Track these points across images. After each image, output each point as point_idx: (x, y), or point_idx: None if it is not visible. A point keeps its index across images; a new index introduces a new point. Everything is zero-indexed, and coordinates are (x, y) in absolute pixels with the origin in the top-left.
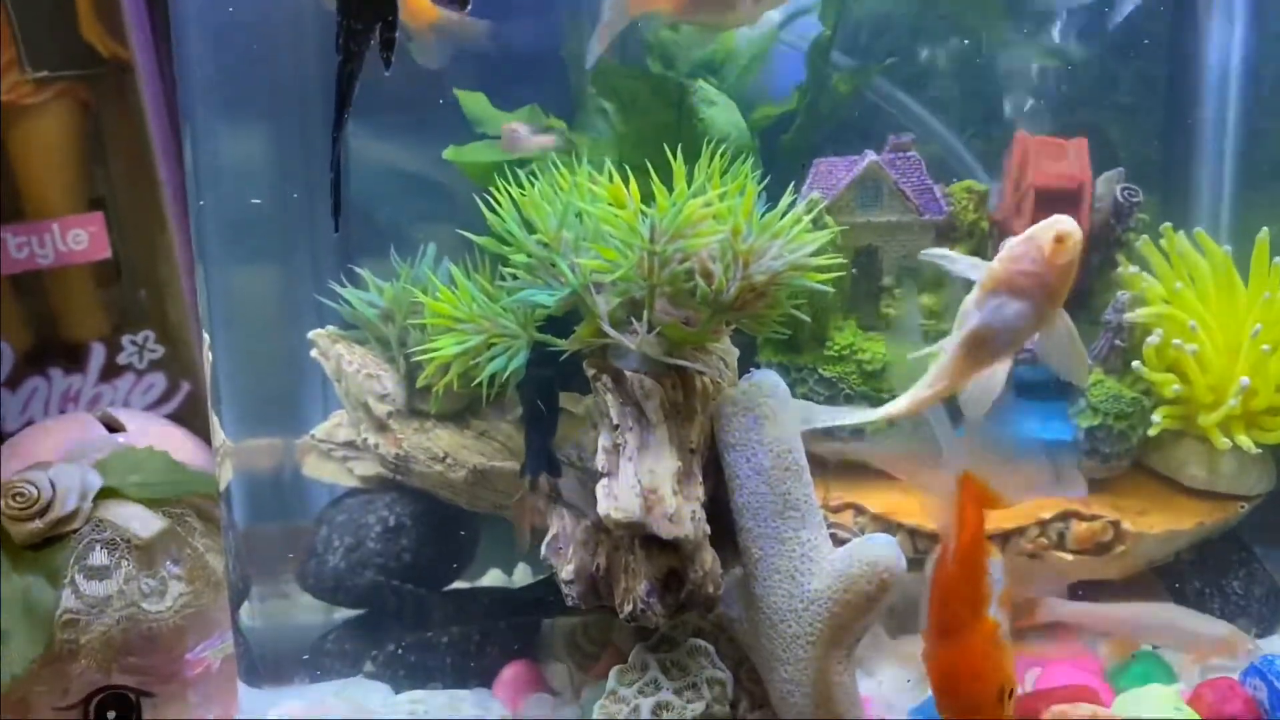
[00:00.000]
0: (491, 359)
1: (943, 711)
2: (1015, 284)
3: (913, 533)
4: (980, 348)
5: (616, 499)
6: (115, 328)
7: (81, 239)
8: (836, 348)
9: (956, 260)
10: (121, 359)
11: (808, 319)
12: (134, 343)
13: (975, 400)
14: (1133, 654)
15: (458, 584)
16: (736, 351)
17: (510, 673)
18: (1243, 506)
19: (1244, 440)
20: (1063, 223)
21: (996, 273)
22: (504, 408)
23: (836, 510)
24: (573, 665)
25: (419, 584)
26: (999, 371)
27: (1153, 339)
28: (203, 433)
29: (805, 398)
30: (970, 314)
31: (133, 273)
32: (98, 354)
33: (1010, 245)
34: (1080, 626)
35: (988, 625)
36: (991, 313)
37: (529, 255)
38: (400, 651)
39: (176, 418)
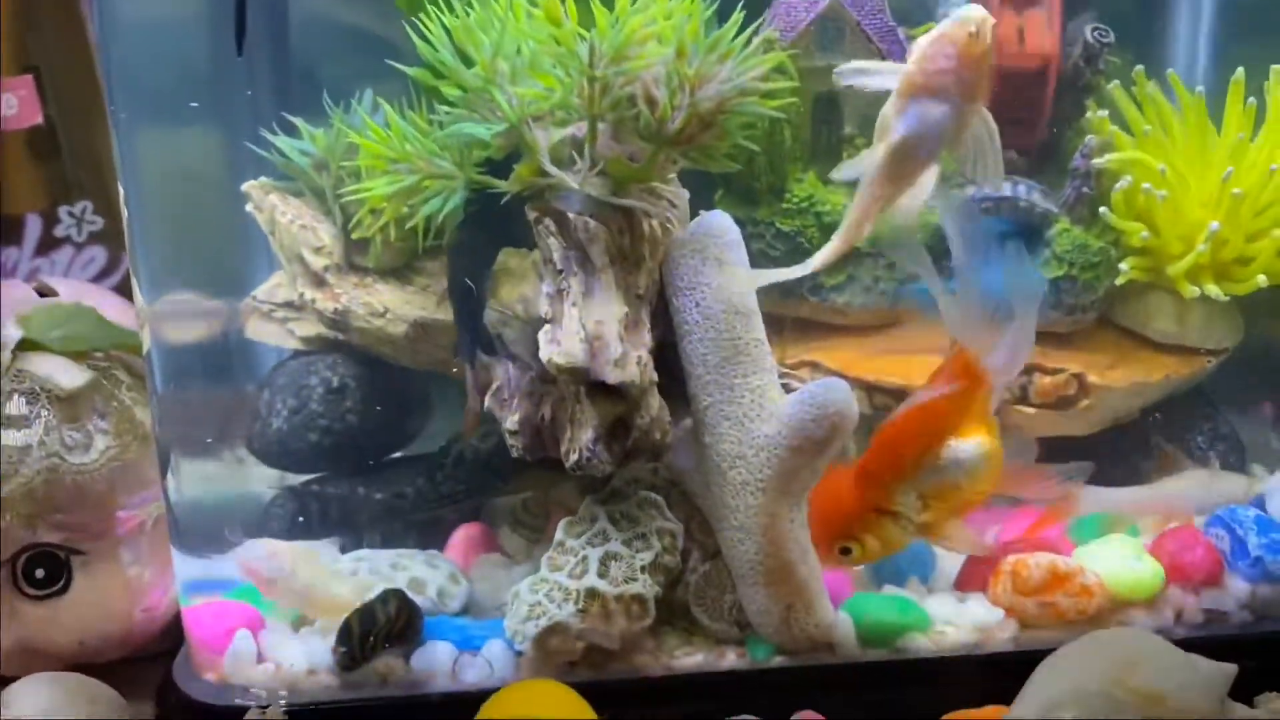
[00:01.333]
0: (425, 200)
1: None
2: (933, 86)
3: (870, 388)
4: (905, 159)
5: (560, 344)
6: (52, 200)
7: (11, 104)
8: (795, 200)
9: (873, 73)
10: (59, 231)
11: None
12: (71, 214)
13: (905, 211)
14: None
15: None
16: (686, 194)
17: (462, 535)
18: (1210, 360)
19: (1212, 289)
20: (972, 12)
21: (913, 77)
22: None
23: (794, 368)
24: (519, 533)
25: (366, 448)
26: (926, 180)
27: (1121, 184)
28: None
29: (762, 253)
30: (891, 125)
31: (69, 143)
32: (33, 226)
33: (920, 46)
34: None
35: (876, 493)
36: (913, 120)
37: (463, 88)
38: (348, 517)
39: (120, 291)
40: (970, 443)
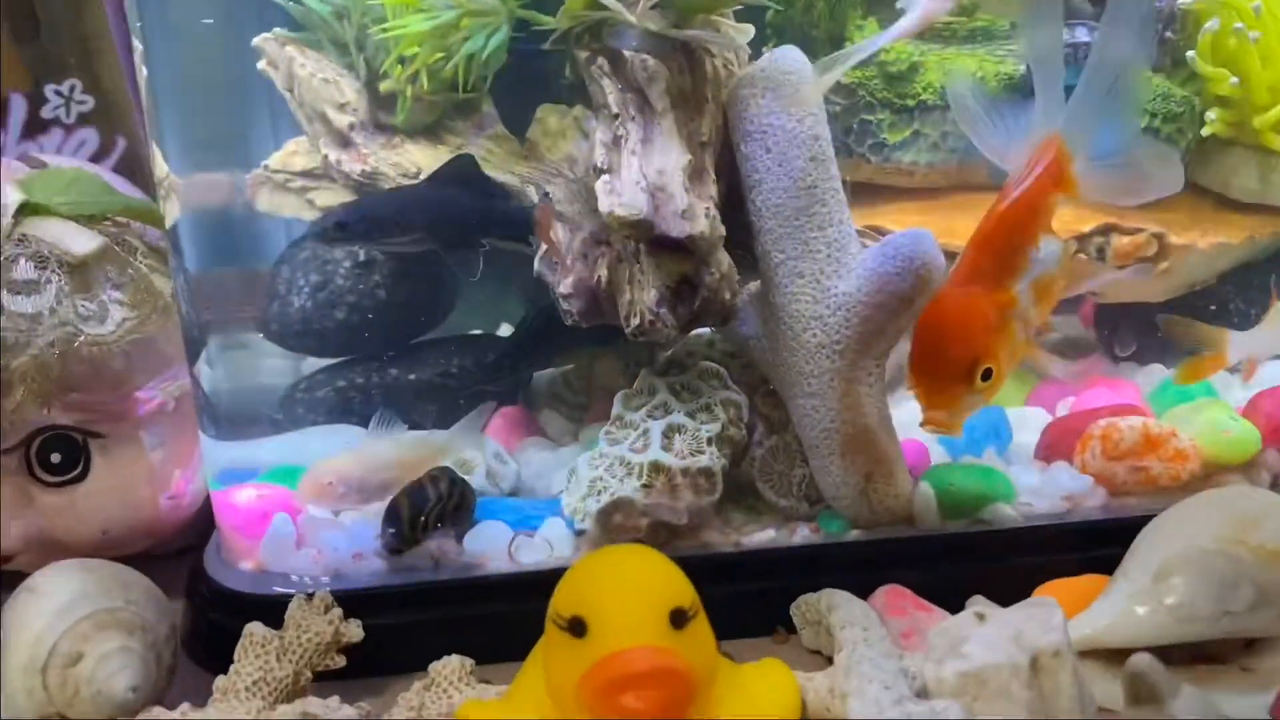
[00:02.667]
0: (466, 40)
1: (913, 373)
2: None
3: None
4: None
5: (621, 196)
6: (37, 80)
7: None
8: (874, 56)
9: None
10: (47, 111)
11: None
12: (59, 93)
13: None
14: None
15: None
16: (751, 30)
17: (502, 419)
18: None
19: None
20: None
21: None
22: (484, 124)
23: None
24: (561, 412)
25: (396, 327)
26: None
27: (1210, 26)
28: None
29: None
30: None
31: (50, 19)
32: (18, 106)
33: None
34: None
35: (1003, 296)
36: None
37: None
38: (379, 400)
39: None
40: (1049, 238)
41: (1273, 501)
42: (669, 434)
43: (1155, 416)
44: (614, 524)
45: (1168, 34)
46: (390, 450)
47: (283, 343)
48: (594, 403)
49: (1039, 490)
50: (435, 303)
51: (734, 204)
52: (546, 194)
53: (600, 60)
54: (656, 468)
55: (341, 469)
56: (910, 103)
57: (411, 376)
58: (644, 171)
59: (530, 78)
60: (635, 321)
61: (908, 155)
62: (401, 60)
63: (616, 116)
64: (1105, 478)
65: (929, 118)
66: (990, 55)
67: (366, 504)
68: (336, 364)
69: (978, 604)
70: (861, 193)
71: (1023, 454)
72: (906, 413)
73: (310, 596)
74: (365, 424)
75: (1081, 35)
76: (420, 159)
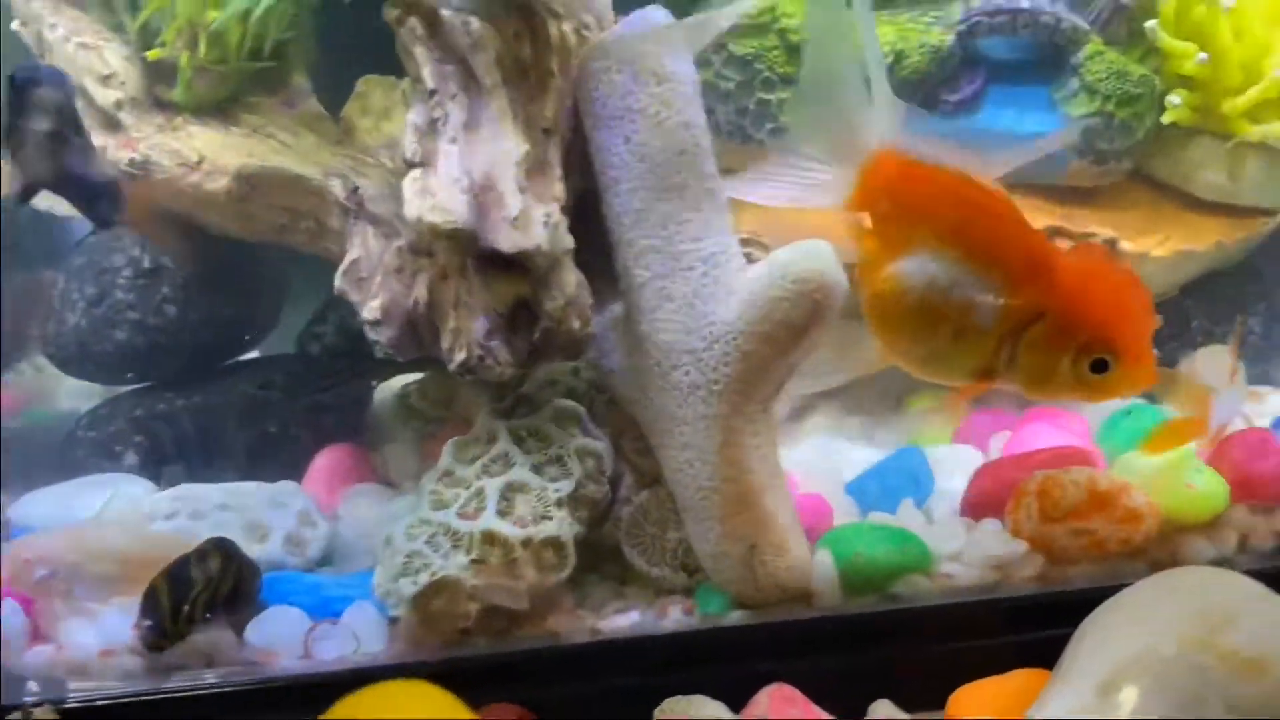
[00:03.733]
0: None
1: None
2: None
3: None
4: None
5: (434, 197)
6: None
7: None
8: (753, 13)
9: None
10: None
11: None
12: None
13: None
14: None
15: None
16: None
17: (326, 460)
18: (1268, 221)
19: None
20: None
21: None
22: (293, 100)
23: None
24: (410, 440)
25: (196, 347)
26: None
27: None
28: None
29: (709, 85)
30: None
31: None
32: None
33: None
34: None
35: None
36: None
37: None
38: (174, 437)
39: None
40: None
41: (1250, 593)
42: (509, 495)
43: (1104, 461)
44: (435, 610)
45: (1123, 0)
46: (119, 539)
47: (64, 368)
48: (450, 422)
49: (962, 557)
50: (247, 317)
51: (591, 206)
52: (355, 189)
53: (413, 21)
54: (491, 539)
55: (48, 549)
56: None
57: (213, 408)
58: (466, 166)
59: (361, 43)
60: (460, 356)
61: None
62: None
63: (433, 94)
64: (1042, 542)
65: None
66: (914, 22)
67: (69, 597)
68: (126, 394)
69: (881, 711)
70: None
71: (947, 507)
72: (813, 453)
73: (34, 708)
74: (157, 470)
75: (1042, 2)
76: (206, 145)
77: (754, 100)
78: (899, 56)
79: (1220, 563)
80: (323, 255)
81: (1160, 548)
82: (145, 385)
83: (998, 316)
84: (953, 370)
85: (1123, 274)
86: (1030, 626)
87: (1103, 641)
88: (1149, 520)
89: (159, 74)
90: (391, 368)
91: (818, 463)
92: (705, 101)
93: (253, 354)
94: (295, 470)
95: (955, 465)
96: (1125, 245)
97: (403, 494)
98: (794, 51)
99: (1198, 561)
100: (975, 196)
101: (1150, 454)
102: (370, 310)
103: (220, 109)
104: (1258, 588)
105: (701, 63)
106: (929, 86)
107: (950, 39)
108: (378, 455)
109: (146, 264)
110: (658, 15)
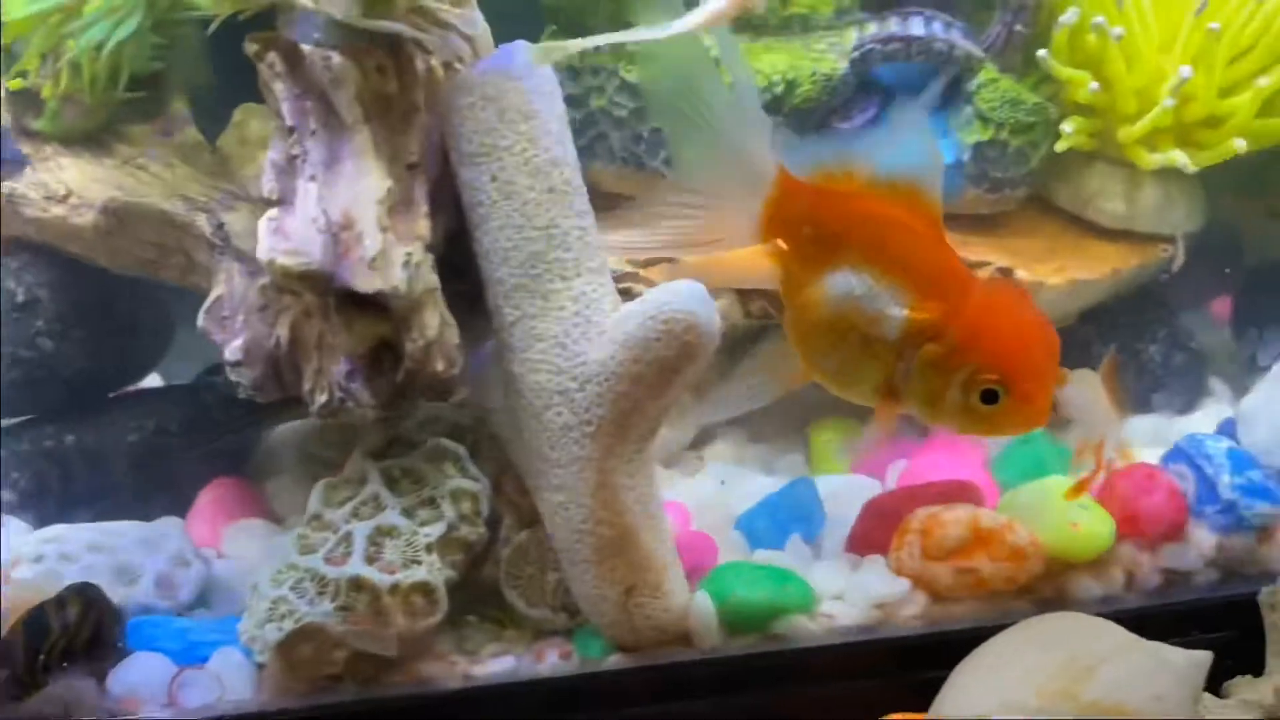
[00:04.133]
0: (88, 26)
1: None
2: None
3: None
4: None
5: (288, 238)
6: None
7: None
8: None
9: None
10: None
11: None
12: None
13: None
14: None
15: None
16: (479, 19)
17: (211, 495)
18: (1166, 249)
19: (1178, 157)
20: None
21: None
22: (170, 128)
23: (647, 265)
24: (300, 473)
25: (72, 381)
26: None
27: (1066, 18)
28: None
29: (603, 111)
30: None
31: None
32: None
33: None
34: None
35: None
36: None
37: None
38: (55, 474)
39: None
40: None
41: (1114, 642)
42: (377, 539)
43: (998, 492)
44: (301, 657)
45: (1017, 27)
46: None
47: None
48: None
49: (846, 596)
50: (132, 349)
51: (459, 241)
52: (220, 224)
53: (273, 56)
54: (358, 585)
55: None
56: None
57: (97, 442)
58: (325, 205)
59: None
60: (322, 398)
61: None
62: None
63: (291, 131)
64: (926, 580)
65: None
66: (807, 49)
67: None
68: (3, 430)
69: None
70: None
71: (837, 542)
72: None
73: None
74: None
75: (916, 28)
76: (75, 177)
77: (648, 128)
78: (791, 85)
79: (1107, 600)
80: (194, 290)
81: (1046, 586)
82: (24, 420)
83: (900, 327)
84: (861, 383)
85: (1033, 314)
86: (915, 667)
87: (965, 692)
88: (1033, 559)
89: (28, 103)
90: (292, 411)
91: (712, 495)
92: (601, 128)
93: (149, 384)
94: (181, 506)
95: (851, 496)
96: (1021, 274)
97: (289, 530)
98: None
99: (1085, 599)
100: (890, 215)
101: (1072, 499)
102: (232, 350)
103: (92, 138)
104: (1122, 635)
105: (595, 90)
106: (822, 114)
107: (843, 66)
108: (267, 489)
109: (20, 298)
110: (524, 52)
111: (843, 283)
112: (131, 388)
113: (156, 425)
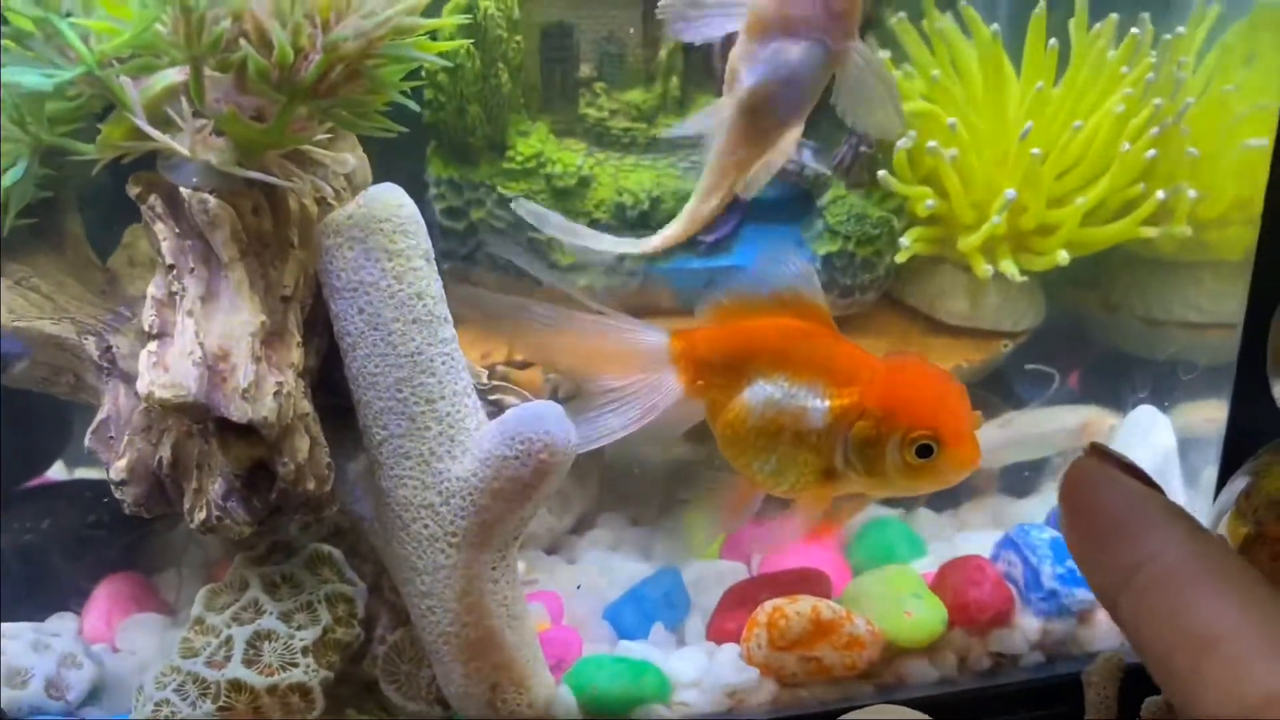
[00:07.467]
0: None
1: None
2: (789, 18)
3: None
4: (761, 113)
5: (166, 370)
6: None
7: None
8: (520, 159)
9: (706, 11)
10: None
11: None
12: None
13: (751, 181)
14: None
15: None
16: (350, 160)
17: (106, 590)
18: (1007, 345)
19: (1008, 267)
20: None
21: (763, 10)
22: (63, 245)
23: (523, 366)
24: (194, 565)
25: None
26: (787, 142)
27: (904, 142)
28: None
29: (483, 222)
30: (741, 72)
31: None
32: None
33: None
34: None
35: None
36: (769, 64)
37: (19, 17)
38: None
39: None
40: None
41: None
42: (256, 643)
43: (850, 574)
44: None
45: (862, 148)
46: None
47: None
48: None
49: (700, 683)
50: (27, 446)
51: (337, 364)
52: (109, 347)
53: (155, 199)
54: (237, 686)
55: None
56: (581, 221)
57: None
58: (201, 338)
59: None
60: (200, 516)
61: (583, 278)
62: None
63: (172, 268)
64: (773, 668)
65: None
66: (671, 168)
67: None
68: None
69: None
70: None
71: (698, 630)
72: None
73: None
74: None
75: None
76: None
77: (525, 239)
78: (655, 201)
79: (943, 682)
80: (84, 406)
81: (885, 670)
82: None
83: (828, 418)
84: (801, 473)
85: (936, 372)
86: None
87: None
88: (870, 646)
89: None
90: None
91: (587, 583)
92: (482, 237)
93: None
94: (77, 601)
95: (717, 582)
96: None
97: (181, 623)
98: (559, 195)
99: (921, 681)
100: (783, 325)
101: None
102: (117, 470)
103: None
104: None
105: (475, 203)
106: None
107: None
108: (162, 579)
109: None
110: (390, 195)
111: (760, 391)
112: (33, 482)
113: (52, 523)
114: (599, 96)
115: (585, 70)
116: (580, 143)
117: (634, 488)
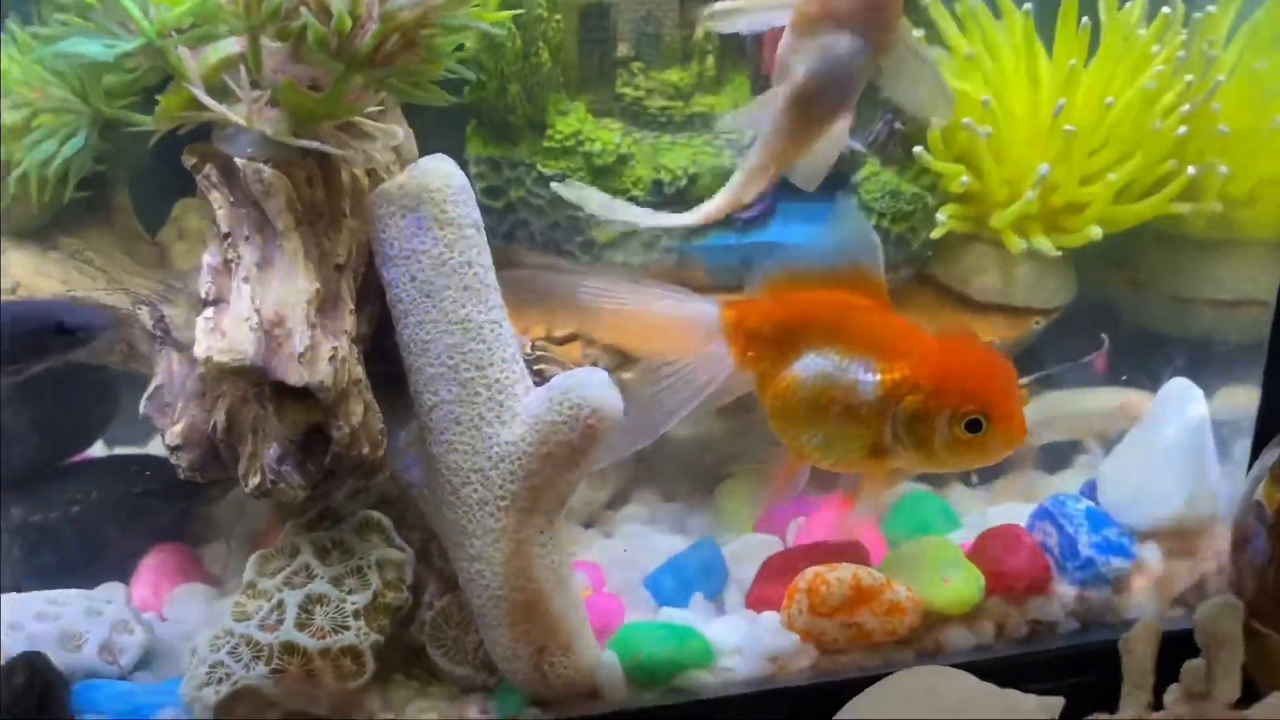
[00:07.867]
0: (36, 144)
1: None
2: (837, 9)
3: None
4: (811, 104)
5: (224, 335)
6: None
7: None
8: (559, 137)
9: (752, 8)
10: None
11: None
12: None
13: (809, 174)
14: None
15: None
16: (400, 132)
17: (153, 561)
18: (1038, 322)
19: (1041, 243)
20: None
21: (807, 6)
22: (111, 219)
23: (561, 342)
24: (241, 538)
25: (27, 451)
26: (838, 131)
27: (938, 120)
28: None
29: (522, 201)
30: (789, 65)
31: None
32: None
33: None
34: None
35: None
36: (818, 56)
37: None
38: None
39: None
40: None
41: (966, 690)
42: (308, 607)
43: (886, 548)
44: (238, 717)
45: (897, 125)
46: None
47: None
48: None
49: (742, 650)
50: (74, 420)
51: (389, 332)
52: (161, 317)
53: (210, 169)
54: (290, 649)
55: None
56: (619, 198)
57: (42, 511)
58: (258, 304)
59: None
60: (255, 480)
61: (620, 254)
62: None
63: (227, 236)
64: (814, 634)
65: None
66: (708, 145)
67: None
68: None
69: None
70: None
71: (737, 599)
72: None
73: None
74: None
75: None
76: (22, 271)
77: (564, 216)
78: (693, 179)
79: (980, 649)
80: (137, 375)
81: (925, 637)
82: None
83: (878, 391)
84: (849, 449)
85: (986, 350)
86: (803, 713)
87: None
88: (910, 613)
89: None
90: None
91: (623, 556)
92: (521, 215)
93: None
94: (124, 572)
95: (754, 554)
96: None
97: (226, 593)
98: (597, 173)
99: (960, 648)
100: (838, 299)
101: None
102: (172, 436)
103: (39, 233)
104: (985, 689)
105: (515, 181)
106: None
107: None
108: (206, 551)
109: None
110: (440, 166)
111: (812, 364)
112: (78, 457)
113: (99, 495)
114: (636, 76)
115: (622, 50)
116: (617, 122)
117: (667, 463)
